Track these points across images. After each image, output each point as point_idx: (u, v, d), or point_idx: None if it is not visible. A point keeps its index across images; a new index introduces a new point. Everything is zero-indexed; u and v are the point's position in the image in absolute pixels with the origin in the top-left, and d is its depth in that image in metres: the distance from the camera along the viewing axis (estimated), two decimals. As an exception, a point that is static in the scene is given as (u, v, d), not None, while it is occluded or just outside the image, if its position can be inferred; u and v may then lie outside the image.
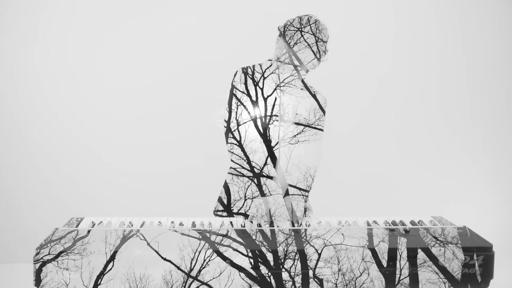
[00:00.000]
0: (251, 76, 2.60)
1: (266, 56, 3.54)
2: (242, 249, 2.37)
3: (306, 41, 2.56)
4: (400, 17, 3.56)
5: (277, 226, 2.51)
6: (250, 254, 2.36)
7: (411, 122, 3.59)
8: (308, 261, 2.37)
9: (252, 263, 2.35)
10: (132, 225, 2.56)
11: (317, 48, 2.56)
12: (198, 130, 3.47)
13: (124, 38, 3.47)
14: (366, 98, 3.58)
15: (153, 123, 3.50)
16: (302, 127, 2.57)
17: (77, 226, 2.52)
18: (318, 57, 2.58)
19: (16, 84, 3.43)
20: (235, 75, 2.63)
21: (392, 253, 2.39)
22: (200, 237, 2.38)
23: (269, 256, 2.36)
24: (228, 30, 3.50)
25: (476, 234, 2.52)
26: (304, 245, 2.39)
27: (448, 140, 3.61)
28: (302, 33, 2.57)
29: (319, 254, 2.39)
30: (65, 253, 2.32)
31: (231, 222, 2.59)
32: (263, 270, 2.36)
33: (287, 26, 2.61)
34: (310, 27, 2.57)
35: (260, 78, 2.59)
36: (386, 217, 2.70)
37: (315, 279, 2.38)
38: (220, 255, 2.36)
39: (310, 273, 2.37)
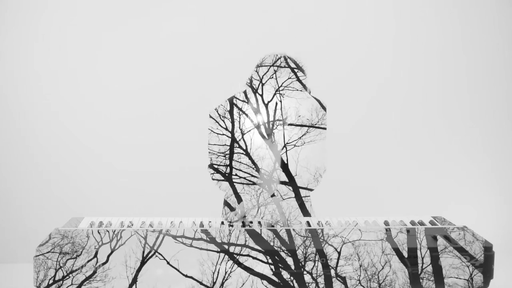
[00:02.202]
0: (249, 84, 2.60)
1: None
2: (261, 256, 2.38)
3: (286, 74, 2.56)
4: (400, 17, 3.56)
5: (259, 224, 2.51)
6: (270, 261, 2.37)
7: (411, 122, 3.59)
8: (328, 261, 2.38)
9: (273, 270, 2.36)
10: (132, 225, 2.56)
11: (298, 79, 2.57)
12: (199, 130, 3.47)
13: (124, 38, 3.47)
14: (366, 98, 3.58)
15: (153, 123, 3.50)
16: (307, 128, 2.57)
17: (76, 226, 2.53)
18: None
19: (16, 84, 3.43)
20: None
21: (413, 252, 2.40)
22: (219, 250, 2.38)
23: (289, 260, 2.37)
24: (229, 30, 3.50)
25: (476, 234, 2.52)
26: (322, 245, 2.40)
27: (448, 140, 3.61)
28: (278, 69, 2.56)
29: (339, 253, 2.40)
30: (88, 281, 2.34)
31: (230, 224, 2.59)
32: (285, 275, 2.36)
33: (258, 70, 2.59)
34: (288, 64, 2.56)
35: (259, 84, 2.59)
36: (386, 217, 2.70)
37: (338, 278, 2.39)
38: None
39: (332, 272, 2.38)
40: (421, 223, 2.60)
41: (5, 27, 3.40)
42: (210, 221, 2.60)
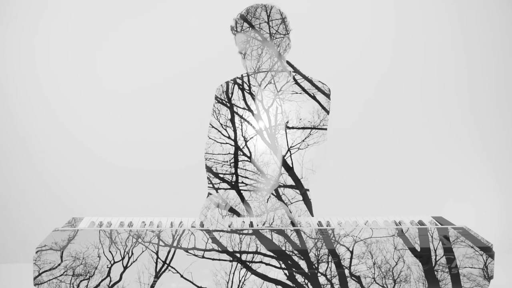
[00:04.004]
0: (248, 90, 2.59)
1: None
2: (274, 262, 2.38)
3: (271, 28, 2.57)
4: (400, 16, 3.56)
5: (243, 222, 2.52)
6: (283, 266, 2.36)
7: (412, 122, 3.59)
8: (341, 261, 2.38)
9: (288, 274, 2.36)
10: (132, 225, 2.56)
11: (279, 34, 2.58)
12: (199, 129, 3.47)
13: (124, 38, 3.47)
14: (366, 97, 3.58)
15: (153, 123, 3.50)
16: (309, 130, 2.57)
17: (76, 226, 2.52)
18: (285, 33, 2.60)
19: (16, 84, 3.43)
20: (224, 92, 2.60)
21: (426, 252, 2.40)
22: (231, 259, 2.38)
23: (302, 264, 2.37)
24: (229, 30, 3.50)
25: (476, 234, 2.52)
26: (334, 245, 2.40)
27: (448, 140, 3.61)
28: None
29: (351, 252, 2.40)
30: None
31: (230, 225, 2.59)
32: (299, 278, 2.36)
33: (245, 17, 2.60)
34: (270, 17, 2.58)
35: (258, 90, 2.59)
36: (386, 217, 2.70)
37: (352, 277, 2.39)
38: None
39: (346, 272, 2.38)
40: (421, 223, 2.59)
41: (5, 27, 3.40)
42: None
